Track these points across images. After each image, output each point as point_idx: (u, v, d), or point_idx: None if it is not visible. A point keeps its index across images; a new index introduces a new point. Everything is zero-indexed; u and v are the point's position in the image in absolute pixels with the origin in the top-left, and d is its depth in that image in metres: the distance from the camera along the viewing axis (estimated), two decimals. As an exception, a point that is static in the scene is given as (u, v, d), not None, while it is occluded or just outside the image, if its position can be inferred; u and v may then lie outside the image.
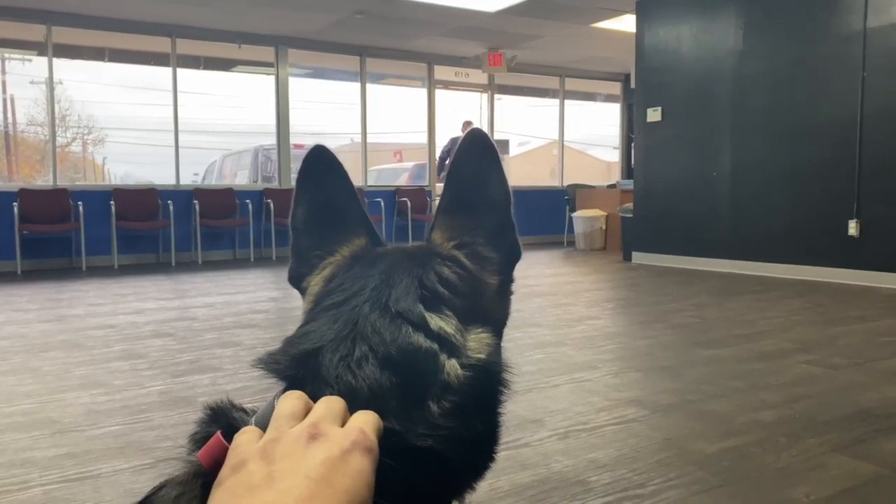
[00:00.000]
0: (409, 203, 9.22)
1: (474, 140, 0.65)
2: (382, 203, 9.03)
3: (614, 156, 13.04)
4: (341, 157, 0.71)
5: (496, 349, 0.60)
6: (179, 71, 8.12)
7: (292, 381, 0.54)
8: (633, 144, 7.68)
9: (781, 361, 2.99)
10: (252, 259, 8.10)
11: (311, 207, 0.69)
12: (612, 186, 10.27)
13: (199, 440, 0.52)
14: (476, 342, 0.57)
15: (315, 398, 0.50)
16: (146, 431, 2.17)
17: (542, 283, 5.78)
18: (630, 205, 7.60)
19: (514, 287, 0.67)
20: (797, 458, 1.91)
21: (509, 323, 0.66)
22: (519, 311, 4.44)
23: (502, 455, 1.95)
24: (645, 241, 7.30)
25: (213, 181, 12.33)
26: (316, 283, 0.65)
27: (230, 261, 8.17)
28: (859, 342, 3.36)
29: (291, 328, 0.58)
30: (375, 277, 0.60)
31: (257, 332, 3.73)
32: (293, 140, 14.01)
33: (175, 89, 8.08)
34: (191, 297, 5.18)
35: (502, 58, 9.36)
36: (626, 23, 7.81)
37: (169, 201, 7.69)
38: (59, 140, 10.03)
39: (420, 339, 0.55)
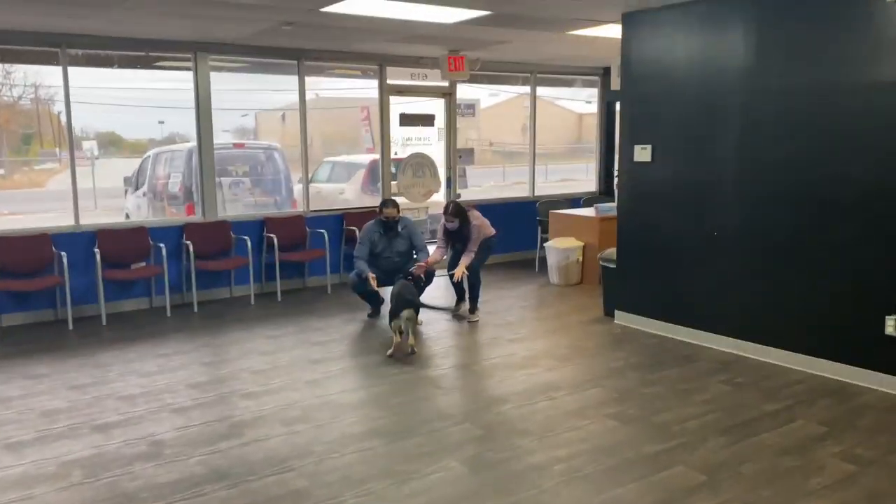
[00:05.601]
0: (357, 232, 8.01)
1: None
2: (326, 235, 7.81)
3: (587, 108, 11.90)
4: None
5: None
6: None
7: None
8: (615, 182, 6.56)
9: None
10: (168, 312, 6.86)
11: None
12: (589, 203, 9.16)
13: None
14: None
15: None
16: None
17: (510, 375, 4.66)
18: (612, 251, 6.50)
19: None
20: None
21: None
22: (501, 463, 3.30)
23: None
24: (629, 300, 6.22)
25: (146, 183, 10.98)
26: None
27: (145, 311, 6.94)
28: None
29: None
30: None
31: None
32: (233, 139, 12.51)
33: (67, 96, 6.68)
34: (103, 416, 4.02)
35: (464, 61, 8.07)
36: (609, 30, 6.59)
37: (63, 253, 6.37)
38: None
39: None
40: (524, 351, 5.54)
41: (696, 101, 5.52)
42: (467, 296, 6.60)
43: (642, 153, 5.93)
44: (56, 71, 6.62)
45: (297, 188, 13.05)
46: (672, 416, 4.17)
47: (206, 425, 4.13)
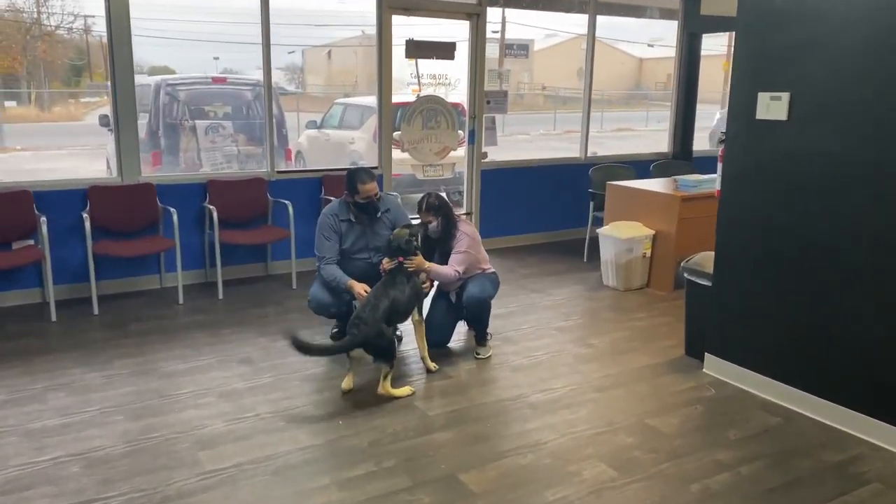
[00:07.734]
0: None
1: None
2: (291, 208, 5.62)
3: (649, 52, 9.70)
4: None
5: None
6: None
7: None
8: (719, 148, 4.19)
9: None
10: (53, 315, 4.82)
11: None
12: (662, 172, 6.77)
13: None
14: None
15: None
16: None
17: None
18: (704, 258, 4.19)
19: None
20: None
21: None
22: None
23: None
24: (731, 341, 3.92)
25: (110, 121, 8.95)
26: None
27: (31, 309, 4.93)
28: None
29: None
30: None
31: None
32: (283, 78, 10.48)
33: None
34: None
35: (496, -35, 5.68)
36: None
37: None
38: None
39: None
40: (553, 435, 3.30)
41: (879, 21, 3.10)
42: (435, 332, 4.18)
43: (772, 106, 3.55)
44: None
45: (308, 133, 10.93)
46: None
47: None
